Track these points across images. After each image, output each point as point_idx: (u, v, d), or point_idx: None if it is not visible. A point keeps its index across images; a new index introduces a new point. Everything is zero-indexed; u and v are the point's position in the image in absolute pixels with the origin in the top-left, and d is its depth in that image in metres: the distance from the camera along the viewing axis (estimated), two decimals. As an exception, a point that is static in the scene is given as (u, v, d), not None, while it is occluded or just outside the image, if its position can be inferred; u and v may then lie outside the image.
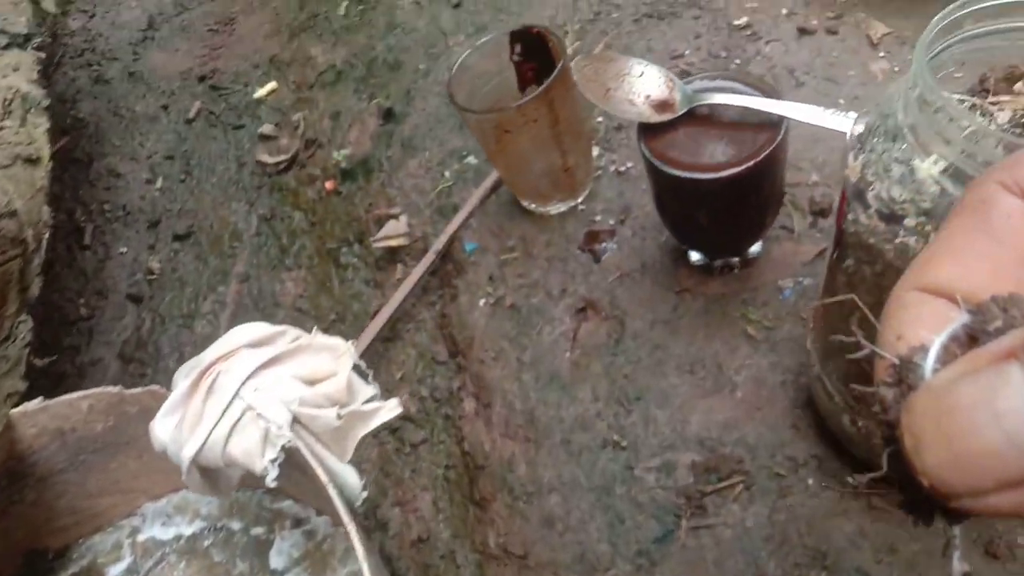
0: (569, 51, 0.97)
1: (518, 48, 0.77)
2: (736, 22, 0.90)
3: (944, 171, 0.41)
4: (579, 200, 0.83)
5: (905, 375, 0.20)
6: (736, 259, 0.73)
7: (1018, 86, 0.49)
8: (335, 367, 0.59)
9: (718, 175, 0.60)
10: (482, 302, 0.81)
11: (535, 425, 0.72)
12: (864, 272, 0.48)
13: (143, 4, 1.48)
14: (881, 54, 0.84)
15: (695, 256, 0.74)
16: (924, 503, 0.21)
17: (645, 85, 0.65)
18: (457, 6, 1.12)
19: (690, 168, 0.61)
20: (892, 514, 0.58)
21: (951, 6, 0.45)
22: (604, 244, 0.80)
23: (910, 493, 0.21)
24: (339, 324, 0.91)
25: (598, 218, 0.82)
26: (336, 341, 0.60)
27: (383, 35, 1.15)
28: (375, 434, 0.80)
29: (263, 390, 0.56)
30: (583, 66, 0.64)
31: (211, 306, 1.01)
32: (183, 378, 0.60)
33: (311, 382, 0.58)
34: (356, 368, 0.60)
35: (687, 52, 0.91)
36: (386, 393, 0.81)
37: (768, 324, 0.70)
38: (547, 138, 0.74)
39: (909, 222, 0.43)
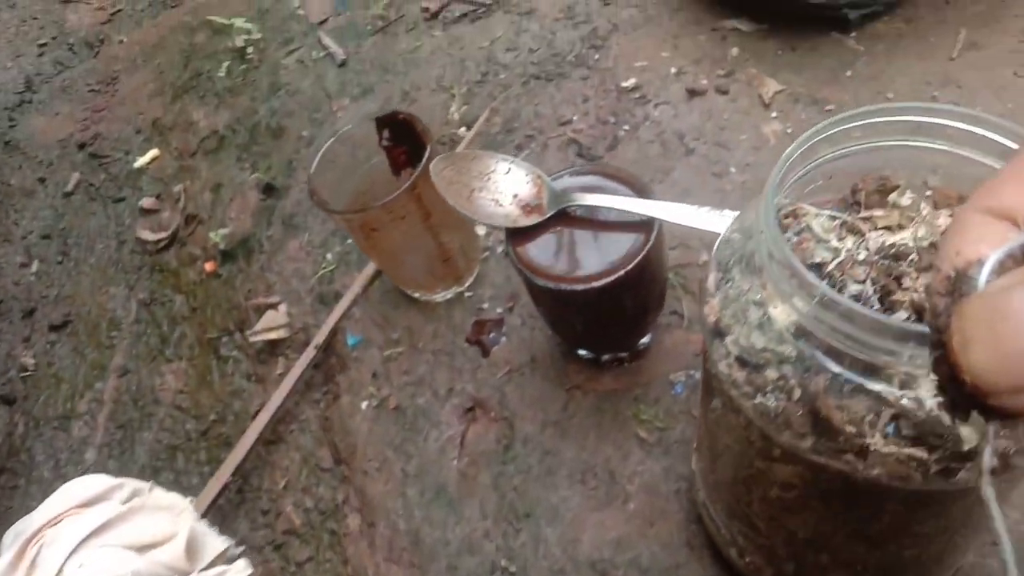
0: (456, 116, 0.92)
1: (386, 133, 0.72)
2: (624, 84, 0.86)
3: (796, 329, 0.37)
4: (465, 286, 0.78)
5: (959, 286, 0.22)
6: (625, 353, 0.68)
7: (892, 197, 0.45)
8: (174, 527, 0.53)
9: (589, 286, 0.55)
10: (365, 404, 0.75)
11: (420, 548, 0.66)
12: (730, 420, 0.43)
13: (20, 64, 1.39)
14: (773, 114, 0.80)
15: (583, 350, 0.70)
16: (963, 402, 0.22)
17: (512, 184, 0.60)
18: (343, 65, 1.06)
19: (560, 279, 0.56)
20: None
21: (804, 136, 0.40)
22: (492, 335, 0.75)
23: (951, 393, 0.23)
24: (220, 425, 0.85)
25: (486, 305, 0.77)
26: (173, 499, 0.54)
27: (266, 97, 1.09)
28: (259, 549, 0.75)
29: (89, 565, 0.50)
30: (442, 168, 0.59)
31: (88, 405, 0.94)
32: (8, 547, 0.54)
33: (147, 547, 0.52)
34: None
35: (575, 118, 0.86)
36: (271, 503, 0.75)
37: (660, 424, 0.66)
38: (420, 232, 0.69)
39: (771, 374, 0.39)
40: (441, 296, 0.78)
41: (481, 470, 0.68)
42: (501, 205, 0.60)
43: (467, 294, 0.78)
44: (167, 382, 0.92)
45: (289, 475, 0.78)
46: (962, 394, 0.21)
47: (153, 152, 1.15)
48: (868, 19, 0.85)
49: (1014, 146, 0.36)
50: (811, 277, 0.34)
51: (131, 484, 0.55)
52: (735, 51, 0.86)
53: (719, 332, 0.41)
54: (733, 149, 0.78)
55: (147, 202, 1.09)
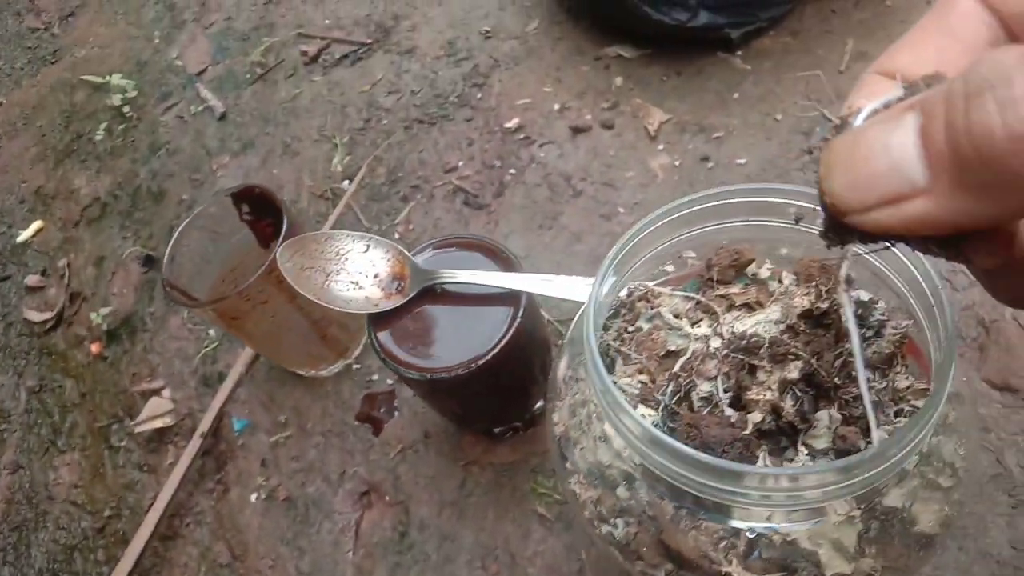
0: (338, 168, 0.88)
1: (245, 208, 0.67)
2: (508, 124, 0.82)
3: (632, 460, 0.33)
4: (352, 358, 0.73)
5: (841, 130, 0.23)
6: (518, 423, 0.65)
7: (750, 270, 0.42)
8: None
9: (455, 373, 0.51)
10: (254, 496, 0.71)
11: (316, 654, 0.62)
12: (590, 539, 0.40)
13: None
14: (660, 147, 0.77)
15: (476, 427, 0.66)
16: (830, 226, 0.24)
17: (371, 263, 0.56)
18: (222, 119, 1.01)
19: (425, 369, 0.52)
20: None
21: (633, 229, 0.37)
22: (383, 409, 0.70)
23: (824, 223, 0.25)
24: (115, 521, 0.80)
25: (375, 377, 0.72)
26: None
27: (146, 158, 1.03)
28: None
29: None
30: (291, 255, 0.55)
31: (-22, 508, 0.88)
32: None
33: None
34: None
35: (460, 163, 0.82)
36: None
37: (559, 497, 0.62)
38: (289, 312, 0.64)
39: (620, 493, 0.35)
40: (328, 371, 0.73)
41: (377, 562, 0.64)
42: (361, 287, 0.55)
43: (355, 366, 0.73)
44: (61, 476, 0.86)
45: (188, 573, 0.73)
46: (829, 219, 0.24)
47: (37, 224, 1.08)
48: (753, 36, 0.82)
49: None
50: (636, 417, 0.30)
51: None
52: (619, 80, 0.82)
53: (566, 445, 0.38)
54: (620, 188, 0.75)
55: (32, 279, 1.03)
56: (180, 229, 0.65)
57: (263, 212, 0.67)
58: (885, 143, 0.20)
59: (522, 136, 0.81)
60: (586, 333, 0.33)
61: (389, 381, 0.72)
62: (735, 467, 0.29)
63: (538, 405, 0.65)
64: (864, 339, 0.37)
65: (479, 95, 0.86)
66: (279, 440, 0.72)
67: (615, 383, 0.34)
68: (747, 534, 0.32)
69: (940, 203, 0.19)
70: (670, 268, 0.42)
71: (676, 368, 0.36)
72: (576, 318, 0.41)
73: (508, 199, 0.78)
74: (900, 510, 0.32)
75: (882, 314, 0.37)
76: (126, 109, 1.09)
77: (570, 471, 0.37)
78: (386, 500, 0.66)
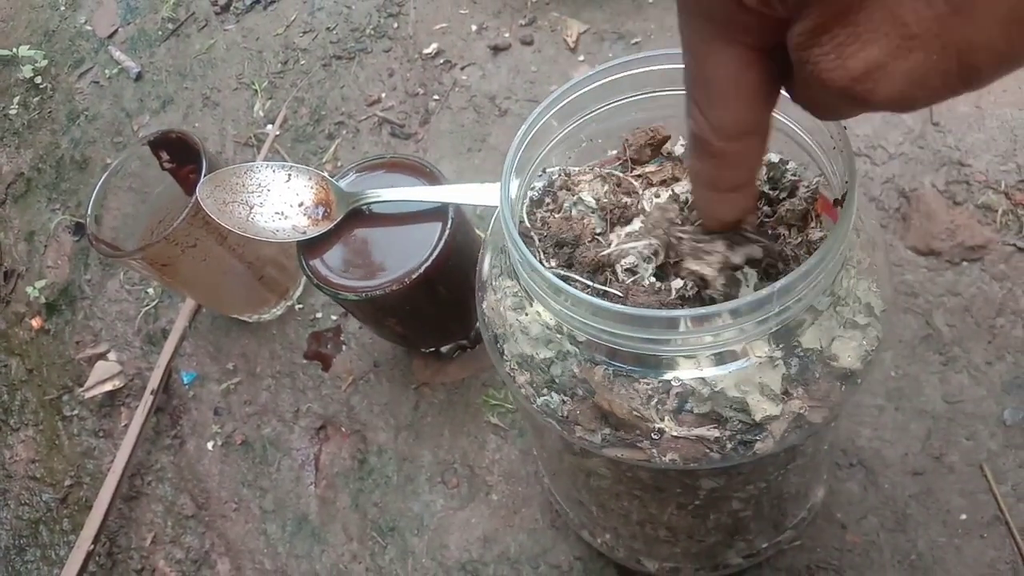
0: (260, 113, 0.86)
1: (164, 155, 0.66)
2: (427, 51, 0.81)
3: (560, 326, 0.34)
4: (294, 299, 0.73)
5: None
6: (464, 340, 0.65)
7: (666, 148, 0.42)
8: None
9: (391, 289, 0.51)
10: (211, 445, 0.71)
11: (289, 585, 0.63)
12: (533, 419, 0.40)
13: None
14: (581, 58, 0.77)
15: (423, 347, 0.66)
16: None
17: (295, 192, 0.56)
18: (139, 79, 0.98)
19: (359, 289, 0.52)
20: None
21: (539, 108, 0.37)
22: (330, 346, 0.70)
23: None
24: (77, 489, 0.79)
25: (319, 315, 0.72)
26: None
27: (66, 128, 1.00)
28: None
29: None
30: (211, 190, 0.54)
31: (-65, 494, 0.86)
32: None
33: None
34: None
35: (383, 95, 0.81)
36: (143, 560, 0.70)
37: (511, 406, 0.63)
38: (221, 255, 0.63)
39: (554, 371, 0.36)
40: (270, 314, 0.73)
41: (339, 491, 0.65)
42: (286, 217, 0.55)
43: (298, 306, 0.73)
44: (17, 453, 0.85)
45: (155, 528, 0.73)
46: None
47: (-41, 208, 1.05)
48: (663, -60, 0.82)
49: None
50: (555, 280, 0.30)
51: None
52: (535, -4, 0.81)
53: (495, 337, 0.38)
54: (546, 102, 0.75)
55: (-38, 264, 1.00)
56: (101, 182, 0.64)
57: (184, 159, 0.66)
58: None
59: (442, 61, 0.80)
60: (502, 213, 0.33)
61: (333, 317, 0.72)
62: (660, 314, 0.29)
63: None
64: (778, 200, 0.38)
65: (395, 24, 0.85)
66: (230, 387, 0.72)
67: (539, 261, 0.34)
68: (676, 388, 0.33)
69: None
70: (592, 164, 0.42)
71: (602, 245, 0.36)
72: (495, 215, 0.41)
73: (435, 126, 0.78)
74: (820, 350, 0.33)
75: (794, 174, 0.37)
76: (38, 80, 1.05)
77: (504, 359, 0.38)
78: (342, 432, 0.67)
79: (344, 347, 0.70)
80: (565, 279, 0.36)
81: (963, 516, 0.52)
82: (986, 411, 0.55)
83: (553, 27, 0.79)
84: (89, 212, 0.63)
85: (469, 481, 0.62)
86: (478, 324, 0.64)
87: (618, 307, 0.29)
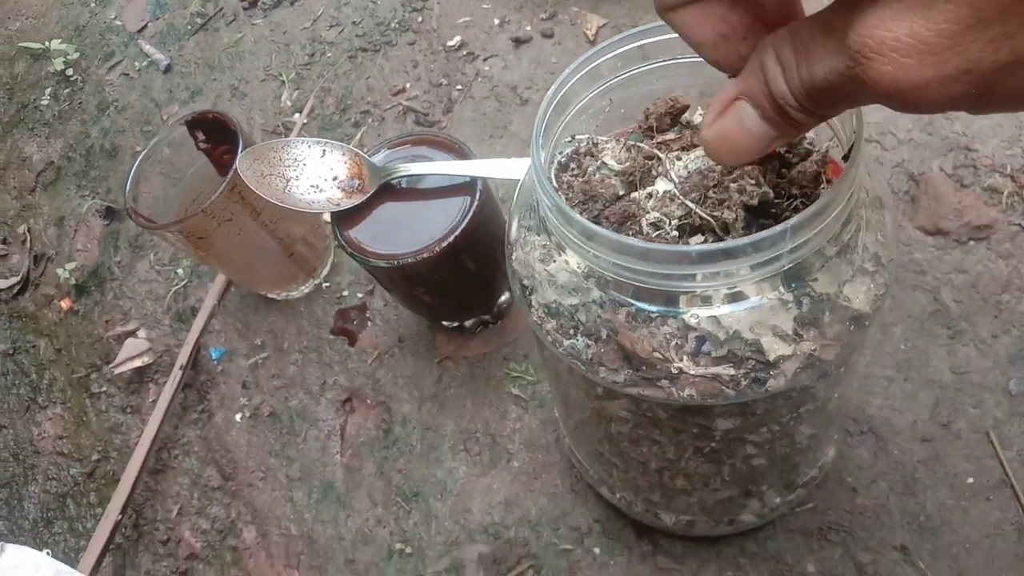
0: (288, 103, 0.89)
1: (200, 135, 0.68)
2: (450, 43, 0.84)
3: (588, 271, 0.36)
4: (321, 278, 0.75)
5: None
6: (487, 315, 0.67)
7: (685, 117, 0.45)
8: (34, 586, 0.50)
9: (420, 258, 0.54)
10: (239, 416, 0.73)
11: (316, 548, 0.65)
12: (557, 367, 0.43)
13: None
14: (600, 49, 0.80)
15: (446, 321, 0.68)
16: None
17: (329, 166, 0.58)
18: (167, 71, 1.01)
19: (391, 256, 0.55)
20: (680, 571, 0.55)
21: (566, 71, 0.40)
22: (356, 322, 0.73)
23: None
24: (104, 463, 0.82)
25: (345, 293, 0.75)
26: (27, 555, 0.51)
27: (96, 118, 1.03)
28: (163, 581, 0.72)
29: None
30: (251, 163, 0.57)
31: (-35, 470, 0.89)
32: None
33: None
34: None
35: (408, 86, 0.84)
36: (169, 532, 0.73)
37: (531, 378, 0.65)
38: (254, 230, 0.66)
39: (579, 317, 0.38)
40: (298, 292, 0.75)
41: (365, 459, 0.67)
42: (321, 190, 0.58)
43: (324, 285, 0.76)
44: (44, 430, 0.87)
45: (181, 500, 0.75)
46: None
47: (-9, 196, 1.08)
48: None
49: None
50: (585, 222, 0.33)
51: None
52: (555, -9, 0.84)
53: (524, 288, 0.40)
54: (565, 90, 0.78)
55: (-7, 249, 1.03)
56: (139, 160, 0.67)
57: (219, 139, 0.68)
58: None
59: (465, 53, 0.83)
60: (534, 162, 0.36)
61: (359, 295, 0.74)
62: (680, 248, 0.32)
63: (504, 298, 0.68)
64: (791, 164, 0.40)
65: (419, 19, 0.88)
66: (257, 361, 0.75)
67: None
68: (694, 332, 0.35)
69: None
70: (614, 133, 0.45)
71: (626, 202, 0.39)
72: (519, 184, 0.44)
73: (458, 114, 0.80)
74: (831, 293, 0.35)
75: (809, 144, 0.40)
76: (69, 72, 1.08)
77: (533, 309, 0.40)
78: (368, 403, 0.69)
79: (369, 323, 0.73)
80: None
81: (970, 480, 0.54)
82: (992, 381, 0.57)
83: (573, 21, 0.82)
84: (128, 189, 0.66)
85: (491, 449, 0.64)
86: (506, 307, 0.67)
87: (642, 243, 0.32)
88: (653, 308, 0.35)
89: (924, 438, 0.56)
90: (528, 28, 0.83)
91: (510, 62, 0.81)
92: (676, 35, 0.40)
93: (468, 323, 0.68)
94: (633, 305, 0.35)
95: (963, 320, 0.60)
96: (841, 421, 0.54)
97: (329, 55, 0.90)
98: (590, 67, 0.39)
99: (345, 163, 0.58)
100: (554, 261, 0.38)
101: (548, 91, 0.38)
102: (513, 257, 0.42)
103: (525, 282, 0.40)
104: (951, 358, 0.59)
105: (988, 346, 0.58)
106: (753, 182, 0.37)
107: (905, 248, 0.63)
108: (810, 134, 0.40)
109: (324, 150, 0.59)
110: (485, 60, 0.82)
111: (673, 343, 0.35)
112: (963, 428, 0.56)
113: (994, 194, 0.63)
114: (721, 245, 0.31)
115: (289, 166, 0.58)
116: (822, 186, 0.39)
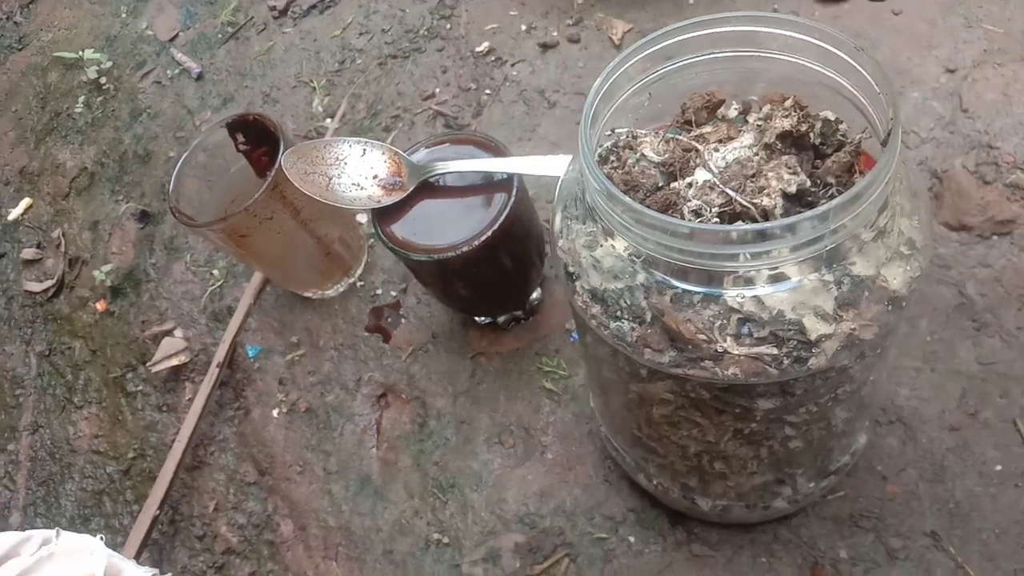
0: (319, 108, 0.91)
1: (240, 137, 0.70)
2: (479, 49, 0.86)
3: (633, 254, 0.38)
4: (355, 277, 0.77)
5: None
6: (519, 311, 0.69)
7: (721, 111, 0.46)
8: (89, 569, 0.52)
9: (459, 252, 0.56)
10: (276, 412, 0.75)
11: (353, 540, 0.66)
12: (600, 351, 0.44)
13: None
14: (626, 54, 0.81)
15: (480, 316, 0.70)
16: None
17: (370, 165, 0.60)
18: (199, 79, 1.04)
19: (431, 250, 0.57)
20: (715, 558, 0.56)
21: (613, 63, 0.41)
22: (390, 319, 0.75)
23: None
24: (140, 461, 0.83)
25: (379, 291, 0.77)
26: (83, 541, 0.53)
27: (128, 125, 1.06)
28: (202, 575, 0.74)
29: (3, 626, 0.49)
30: (294, 161, 0.59)
31: (4, 468, 0.91)
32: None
33: (62, 596, 0.51)
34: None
35: (437, 91, 0.86)
36: (205, 527, 0.74)
37: (564, 372, 0.67)
38: (294, 229, 0.68)
39: (623, 302, 0.40)
40: (334, 291, 0.77)
41: (400, 453, 0.69)
42: (362, 188, 0.60)
43: (359, 284, 0.77)
44: (81, 430, 0.89)
45: (217, 496, 0.77)
46: None
47: (26, 201, 1.11)
48: (703, -55, 0.86)
49: (834, 50, 0.38)
50: (634, 204, 0.35)
51: (38, 535, 0.53)
52: (580, -2, 0.86)
53: (569, 275, 0.42)
54: (592, 94, 0.79)
55: (28, 253, 1.05)
56: (180, 162, 0.69)
57: (259, 141, 0.71)
58: None
59: (493, 58, 0.85)
60: (583, 152, 0.37)
61: (393, 293, 0.76)
62: (725, 227, 0.33)
63: (536, 295, 0.69)
64: (825, 155, 0.42)
65: (448, 26, 0.90)
66: (294, 359, 0.76)
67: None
68: (737, 314, 0.37)
69: None
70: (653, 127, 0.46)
71: (667, 191, 0.41)
72: (560, 181, 0.45)
73: (487, 118, 0.82)
74: (869, 275, 0.37)
75: (843, 135, 0.42)
76: (103, 80, 1.11)
77: (577, 294, 0.42)
78: (403, 398, 0.71)
79: (403, 320, 0.74)
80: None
81: (998, 467, 0.56)
82: (1018, 371, 0.58)
83: (599, 27, 0.84)
84: (171, 189, 0.68)
85: (525, 442, 0.65)
86: (538, 303, 0.69)
87: (689, 223, 0.33)
88: (698, 289, 0.37)
89: (952, 427, 0.58)
90: (555, 33, 0.85)
91: (537, 67, 0.83)
92: (709, 32, 0.42)
93: (501, 319, 0.69)
94: (678, 287, 0.37)
95: (988, 312, 0.61)
96: (872, 409, 0.55)
97: (359, 62, 0.93)
98: (636, 59, 0.41)
99: (385, 162, 0.60)
100: (600, 246, 0.40)
101: (595, 82, 0.40)
102: (558, 245, 0.43)
103: (571, 268, 0.42)
104: (977, 349, 0.60)
105: (1013, 337, 0.60)
106: (791, 171, 0.38)
107: (930, 244, 0.64)
108: (843, 126, 0.41)
109: (364, 149, 0.61)
110: (513, 65, 0.84)
111: (717, 324, 0.37)
112: (990, 417, 0.57)
113: (1016, 190, 0.64)
114: (765, 224, 0.33)
115: (331, 165, 0.60)
116: (855, 176, 0.41)
